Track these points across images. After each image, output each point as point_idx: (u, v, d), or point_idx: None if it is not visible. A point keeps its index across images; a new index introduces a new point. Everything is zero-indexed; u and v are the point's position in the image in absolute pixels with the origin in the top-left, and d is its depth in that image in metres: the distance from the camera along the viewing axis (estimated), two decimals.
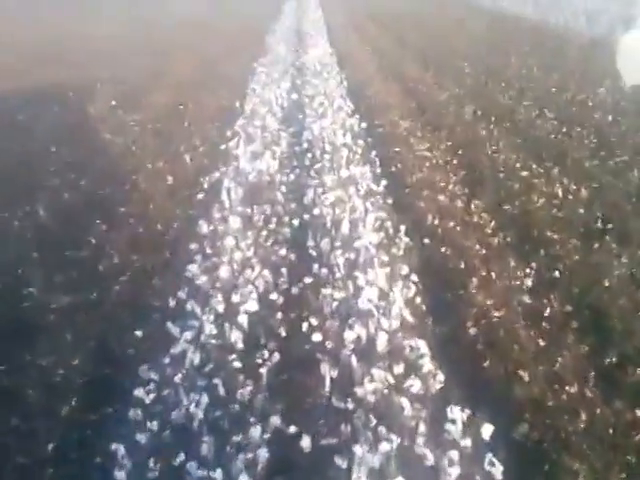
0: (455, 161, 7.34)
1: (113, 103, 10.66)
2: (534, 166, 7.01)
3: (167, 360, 3.83)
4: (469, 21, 20.53)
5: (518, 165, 7.08)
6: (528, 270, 4.82)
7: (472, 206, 5.97)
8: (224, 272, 5.04)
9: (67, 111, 9.94)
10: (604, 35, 16.62)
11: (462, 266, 4.98)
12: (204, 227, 5.84)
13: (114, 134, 8.83)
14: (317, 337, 4.04)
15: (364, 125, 9.00)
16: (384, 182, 6.74)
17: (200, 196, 6.62)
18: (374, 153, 7.76)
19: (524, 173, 6.82)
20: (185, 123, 9.42)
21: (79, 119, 9.51)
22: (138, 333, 4.04)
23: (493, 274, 4.79)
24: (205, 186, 6.83)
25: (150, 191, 6.68)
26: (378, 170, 7.20)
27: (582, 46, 14.84)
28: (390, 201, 6.25)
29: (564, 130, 8.32)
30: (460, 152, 7.71)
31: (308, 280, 4.87)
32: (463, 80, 11.73)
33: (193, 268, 5.11)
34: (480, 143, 7.96)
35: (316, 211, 5.97)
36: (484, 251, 5.18)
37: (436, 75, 12.28)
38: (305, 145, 8.25)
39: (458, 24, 19.89)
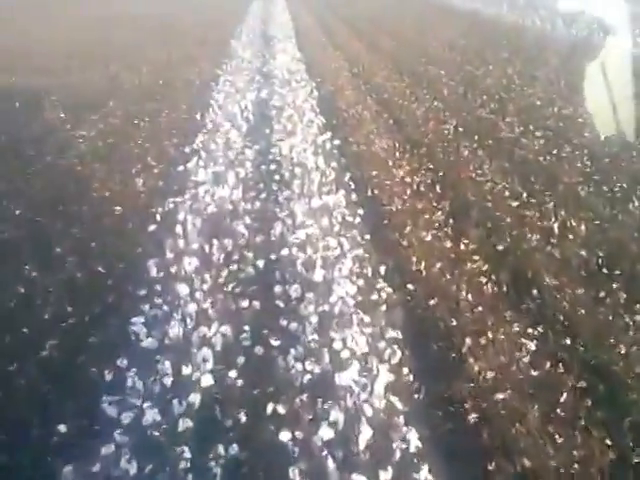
0: (438, 187, 6.71)
1: (62, 115, 9.91)
2: (524, 194, 6.39)
3: (97, 465, 3.13)
4: (444, 25, 19.96)
5: (507, 193, 6.46)
6: (530, 330, 4.19)
7: (460, 245, 5.32)
8: (175, 329, 4.36)
9: (10, 125, 9.16)
10: (583, 39, 16.15)
11: (453, 323, 4.34)
12: (154, 269, 5.16)
13: (59, 153, 8.08)
14: (285, 425, 3.37)
15: (337, 142, 8.38)
16: (360, 212, 6.11)
17: (152, 228, 5.91)
18: (348, 176, 7.13)
19: (514, 203, 6.21)
20: (139, 139, 8.68)
21: (23, 135, 8.73)
22: (62, 427, 3.31)
23: (489, 334, 4.15)
24: (158, 217, 6.11)
25: (93, 224, 5.95)
26: (353, 197, 6.55)
27: (562, 51, 14.30)
28: (368, 237, 5.60)
29: (553, 150, 7.72)
30: (443, 176, 7.09)
31: (274, 342, 4.20)
32: (441, 91, 11.13)
33: (138, 323, 4.44)
34: (463, 165, 7.35)
35: (284, 251, 5.29)
36: (477, 303, 4.54)
37: (412, 85, 11.68)
38: (273, 166, 7.58)
39: (433, 28, 19.32)
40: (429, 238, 5.54)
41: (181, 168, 7.47)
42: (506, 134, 8.38)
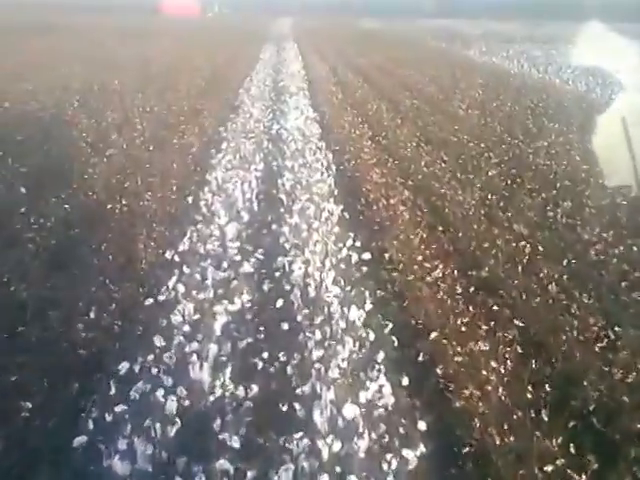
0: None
1: (22, 191, 7.35)
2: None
3: None
4: (467, 81, 17.39)
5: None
6: None
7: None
8: None
9: None
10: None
11: None
12: None
13: None
14: None
15: (367, 257, 5.76)
16: (423, 427, 3.46)
17: (77, 442, 3.31)
18: (390, 328, 4.52)
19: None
20: (105, 241, 6.05)
21: None
22: None
23: None
24: (90, 424, 3.46)
25: None
26: (404, 381, 3.90)
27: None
28: None
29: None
30: (537, 341, 4.47)
31: None
32: (487, 174, 8.52)
33: None
34: (564, 321, 4.68)
35: None
36: None
37: (451, 163, 9.05)
38: (279, 302, 4.94)
39: (455, 84, 16.78)
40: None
41: (149, 302, 4.84)
42: (600, 257, 5.71)
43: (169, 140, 9.97)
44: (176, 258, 5.65)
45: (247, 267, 5.69)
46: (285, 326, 4.60)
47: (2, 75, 16.00)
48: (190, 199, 7.34)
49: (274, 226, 6.72)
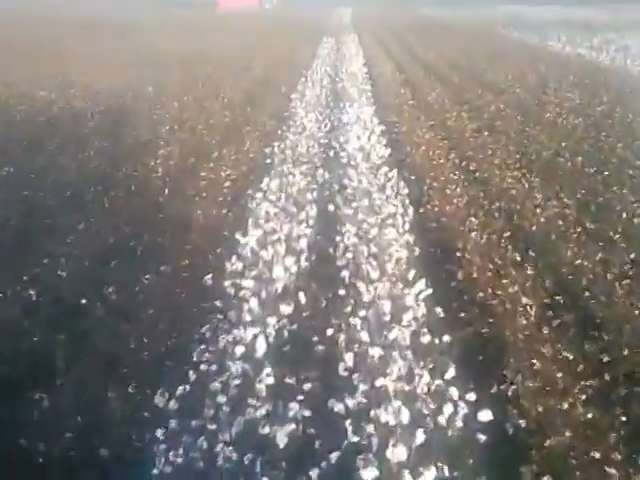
0: None
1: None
2: None
3: None
4: (555, 78, 14.63)
5: None
6: None
7: None
8: None
9: None
10: None
11: None
12: None
13: None
14: None
15: (485, 417, 3.34)
16: None
17: None
18: None
19: None
20: (51, 412, 3.75)
21: None
22: None
23: None
24: None
25: None
26: None
27: None
28: None
29: None
30: None
31: None
32: (613, 215, 6.02)
33: None
34: None
35: None
36: None
37: (576, 209, 6.44)
38: None
39: (544, 83, 14.04)
40: None
41: None
42: None
43: (197, 173, 7.59)
44: (172, 404, 3.32)
45: (282, 438, 3.30)
46: None
47: (31, 79, 13.90)
48: (209, 278, 4.97)
49: (330, 330, 4.30)
